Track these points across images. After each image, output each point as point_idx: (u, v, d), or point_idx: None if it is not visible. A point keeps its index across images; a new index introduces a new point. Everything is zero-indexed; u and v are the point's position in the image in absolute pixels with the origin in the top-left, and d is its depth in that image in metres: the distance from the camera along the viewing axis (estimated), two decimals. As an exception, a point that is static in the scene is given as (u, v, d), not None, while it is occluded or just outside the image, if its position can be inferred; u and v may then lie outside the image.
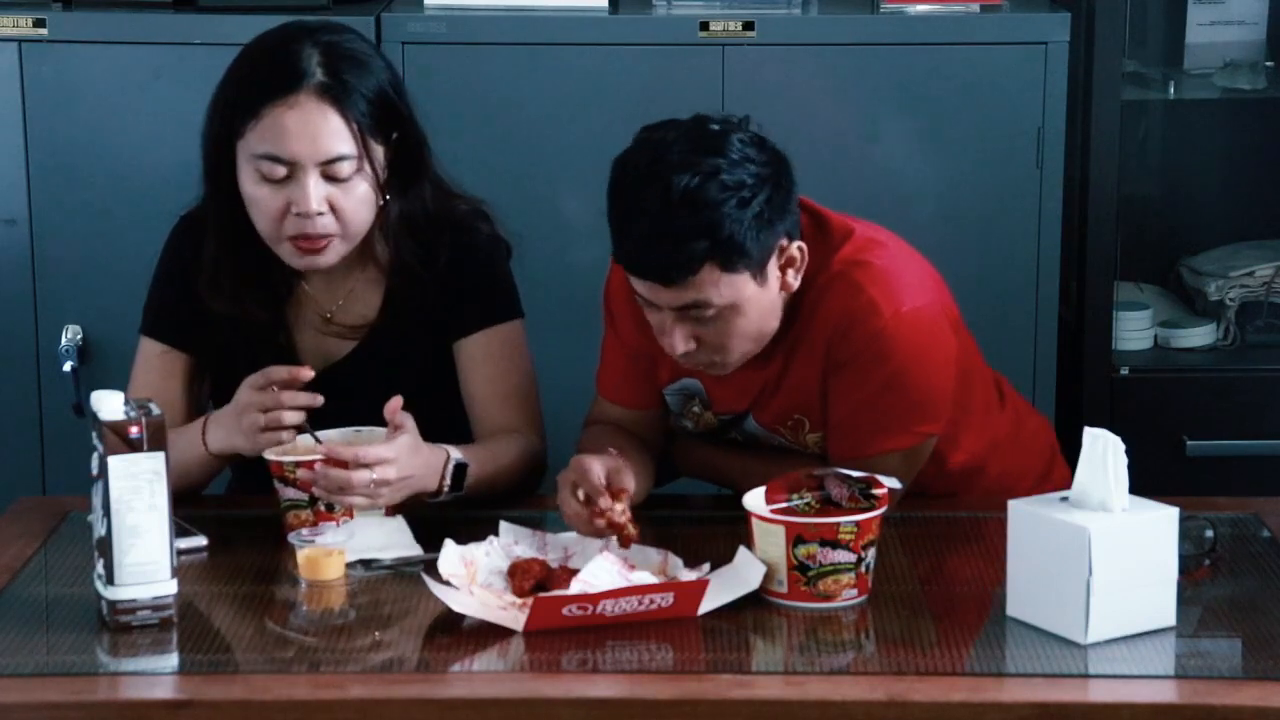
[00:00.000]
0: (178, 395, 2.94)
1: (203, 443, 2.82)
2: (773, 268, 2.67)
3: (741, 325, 2.67)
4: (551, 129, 3.64)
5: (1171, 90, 4.02)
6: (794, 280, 2.70)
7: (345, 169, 2.81)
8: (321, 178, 2.81)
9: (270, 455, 2.72)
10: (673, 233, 2.58)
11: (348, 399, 2.83)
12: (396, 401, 2.71)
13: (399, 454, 2.68)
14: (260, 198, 2.82)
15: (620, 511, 2.59)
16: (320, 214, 2.81)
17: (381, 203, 2.87)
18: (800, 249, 2.70)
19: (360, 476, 2.64)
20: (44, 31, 3.59)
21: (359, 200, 2.84)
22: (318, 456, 2.68)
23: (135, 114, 3.61)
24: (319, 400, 2.73)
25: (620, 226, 2.64)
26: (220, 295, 2.91)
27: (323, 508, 2.70)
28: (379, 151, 2.85)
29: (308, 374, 2.74)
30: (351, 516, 2.70)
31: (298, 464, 2.69)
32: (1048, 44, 3.66)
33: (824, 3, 3.82)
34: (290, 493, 2.71)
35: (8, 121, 3.61)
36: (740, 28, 3.64)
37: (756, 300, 2.66)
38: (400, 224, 2.91)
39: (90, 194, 3.63)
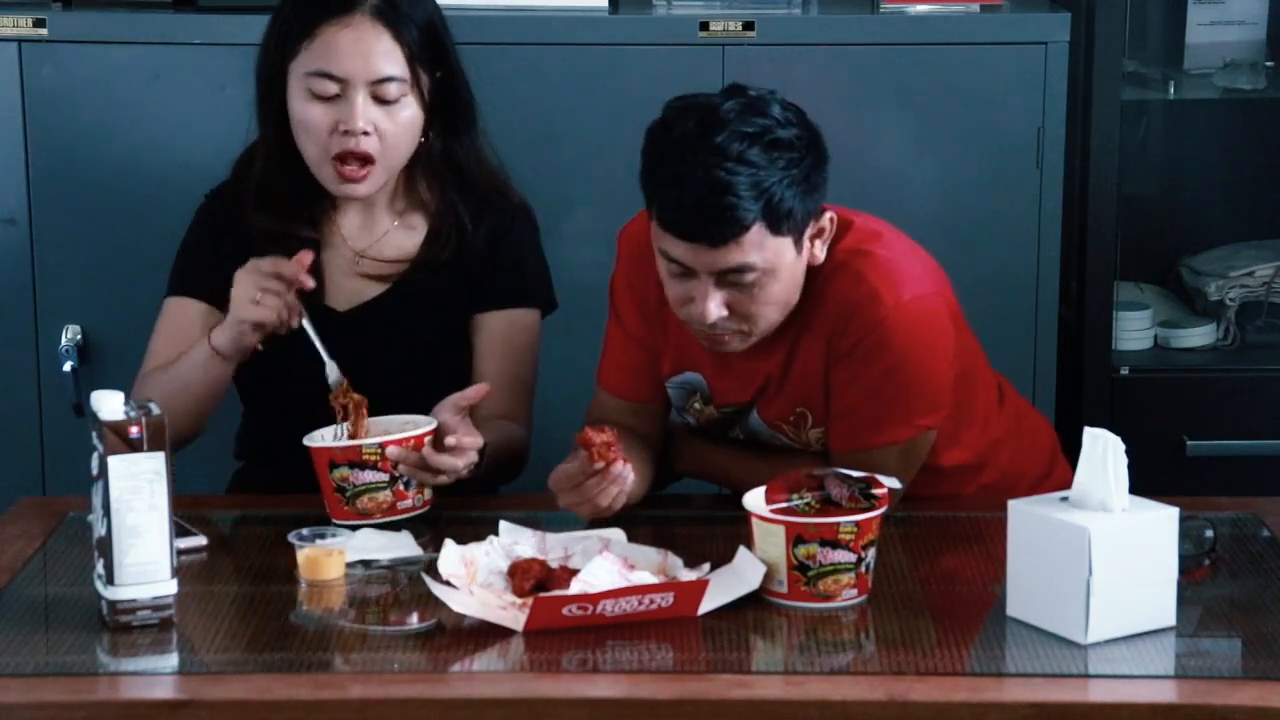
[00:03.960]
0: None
1: (208, 340, 2.89)
2: (808, 236, 2.68)
3: (775, 292, 2.68)
4: (551, 129, 3.64)
5: (1171, 90, 4.02)
6: (820, 252, 2.71)
7: (393, 91, 2.93)
8: (370, 98, 2.91)
9: (344, 442, 2.77)
10: (729, 191, 2.59)
11: (371, 340, 2.95)
12: (483, 388, 2.81)
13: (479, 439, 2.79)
14: (309, 116, 2.93)
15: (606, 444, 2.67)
16: (366, 133, 2.91)
17: (424, 138, 2.98)
18: (831, 219, 2.72)
19: (455, 462, 2.75)
20: (44, 31, 3.59)
21: (403, 125, 2.95)
22: (386, 437, 2.76)
23: (135, 114, 3.61)
24: (310, 283, 2.83)
25: (667, 188, 2.64)
26: (267, 213, 3.00)
27: (401, 486, 2.75)
28: (426, 81, 2.97)
29: (307, 258, 2.83)
30: (422, 493, 2.77)
31: (382, 444, 2.74)
32: (1048, 44, 3.65)
33: (824, 3, 3.82)
34: (367, 476, 2.73)
35: (8, 121, 3.60)
36: (740, 28, 3.64)
37: (792, 268, 2.68)
38: (444, 166, 3.02)
39: (90, 194, 3.62)
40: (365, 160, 2.93)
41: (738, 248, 2.62)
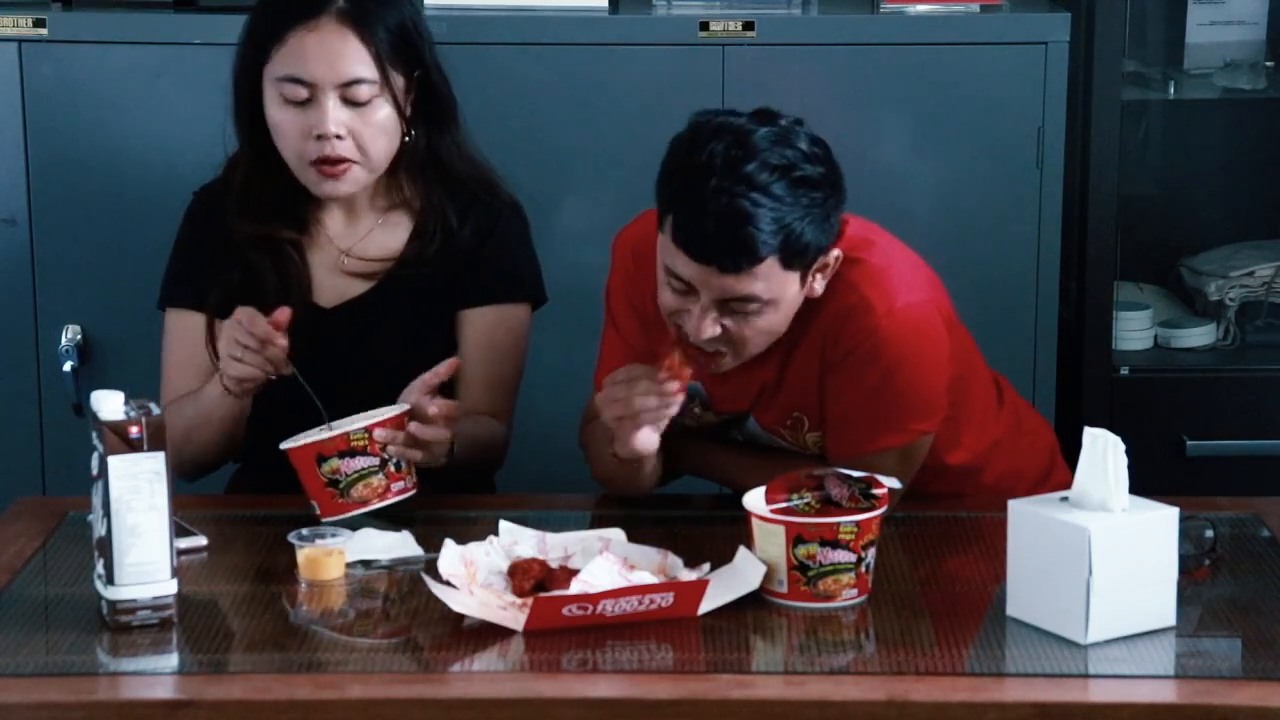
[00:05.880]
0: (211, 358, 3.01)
1: (221, 382, 2.88)
2: (813, 271, 2.67)
3: (771, 323, 2.67)
4: (551, 129, 3.64)
5: (1171, 90, 4.02)
6: (819, 286, 2.71)
7: (364, 93, 2.92)
8: (341, 101, 2.91)
9: (332, 432, 2.75)
10: (750, 222, 2.57)
11: (358, 337, 2.95)
12: (454, 363, 2.82)
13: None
14: (283, 121, 2.93)
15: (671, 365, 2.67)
16: (339, 137, 2.91)
17: (406, 138, 2.97)
18: (836, 258, 2.70)
19: (443, 432, 2.76)
20: (44, 31, 3.59)
21: (378, 127, 2.94)
22: (377, 417, 2.75)
23: (135, 114, 3.61)
24: (282, 342, 2.79)
25: (688, 207, 2.61)
26: (249, 217, 3.00)
27: (392, 468, 2.75)
28: (399, 82, 2.95)
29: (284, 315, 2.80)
30: (412, 474, 2.77)
31: (369, 428, 2.73)
32: (1048, 44, 3.65)
33: (824, 3, 3.82)
34: (358, 463, 2.73)
35: (8, 121, 3.61)
36: (740, 28, 3.64)
37: (792, 301, 2.68)
38: (428, 164, 3.01)
39: (90, 194, 3.63)
40: (341, 161, 2.93)
41: (749, 277, 2.61)
